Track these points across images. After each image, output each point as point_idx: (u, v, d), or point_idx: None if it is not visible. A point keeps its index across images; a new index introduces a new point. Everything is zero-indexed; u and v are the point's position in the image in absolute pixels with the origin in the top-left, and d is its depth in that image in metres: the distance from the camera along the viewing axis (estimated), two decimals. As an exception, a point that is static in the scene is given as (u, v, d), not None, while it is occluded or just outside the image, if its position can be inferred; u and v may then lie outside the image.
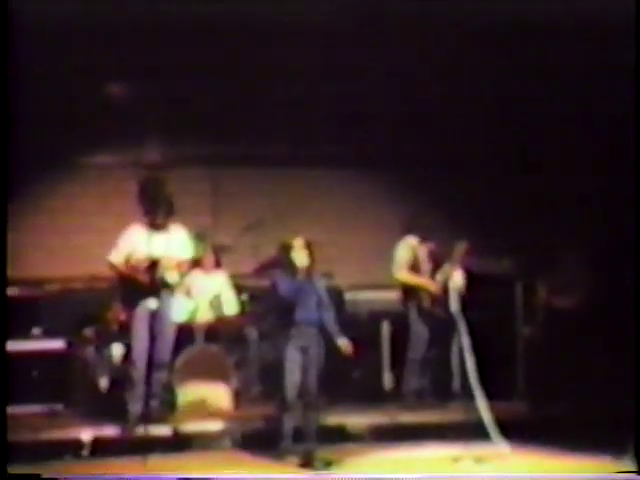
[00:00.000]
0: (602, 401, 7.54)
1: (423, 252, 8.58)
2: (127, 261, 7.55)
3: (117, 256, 7.63)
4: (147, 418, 7.12)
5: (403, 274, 8.51)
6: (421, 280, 8.47)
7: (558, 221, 9.10)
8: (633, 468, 6.47)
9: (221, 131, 9.75)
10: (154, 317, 7.35)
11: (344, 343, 7.21)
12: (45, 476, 6.03)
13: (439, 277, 8.37)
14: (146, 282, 7.42)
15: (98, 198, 10.03)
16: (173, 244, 7.58)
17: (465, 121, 9.69)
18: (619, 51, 7.35)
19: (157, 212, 7.57)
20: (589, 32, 7.71)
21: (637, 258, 7.42)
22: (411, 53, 8.91)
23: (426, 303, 8.42)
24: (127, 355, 7.84)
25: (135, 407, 7.35)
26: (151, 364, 7.39)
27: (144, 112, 9.74)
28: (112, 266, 7.65)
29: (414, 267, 8.52)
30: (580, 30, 7.74)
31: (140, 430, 7.03)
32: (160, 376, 7.53)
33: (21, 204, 9.03)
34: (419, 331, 8.44)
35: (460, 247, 8.03)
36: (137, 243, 7.58)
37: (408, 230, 8.61)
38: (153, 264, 7.46)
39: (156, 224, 7.59)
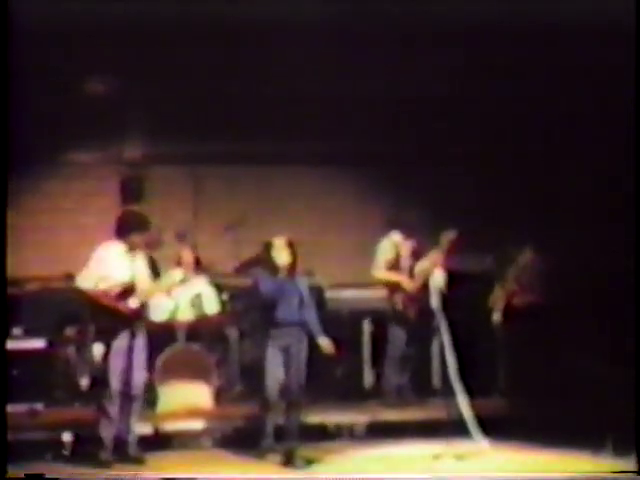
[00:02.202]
0: (581, 397, 7.58)
1: (406, 249, 8.59)
2: (97, 286, 6.92)
3: (87, 281, 6.97)
4: (123, 455, 6.91)
5: (381, 272, 8.52)
6: (398, 278, 8.48)
7: (542, 218, 9.13)
8: (612, 463, 6.55)
9: (202, 129, 9.73)
10: (130, 348, 6.90)
11: (326, 342, 7.22)
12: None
13: (418, 269, 8.36)
14: (123, 311, 6.90)
15: (79, 196, 10.01)
16: (143, 267, 7.08)
17: (449, 118, 9.70)
18: (619, 51, 7.37)
19: (131, 233, 7.01)
20: (589, 32, 7.75)
21: (627, 255, 7.45)
22: (394, 52, 8.92)
23: (400, 302, 8.43)
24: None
25: (110, 443, 6.91)
26: (127, 397, 6.92)
27: (126, 110, 9.73)
28: (82, 293, 7.03)
29: (395, 264, 8.53)
30: (580, 30, 7.78)
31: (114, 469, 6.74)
32: (136, 408, 7.03)
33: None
34: (395, 329, 8.46)
35: (448, 236, 7.99)
36: (109, 266, 6.97)
37: (392, 226, 8.63)
38: (126, 290, 6.92)
39: (128, 245, 7.02)
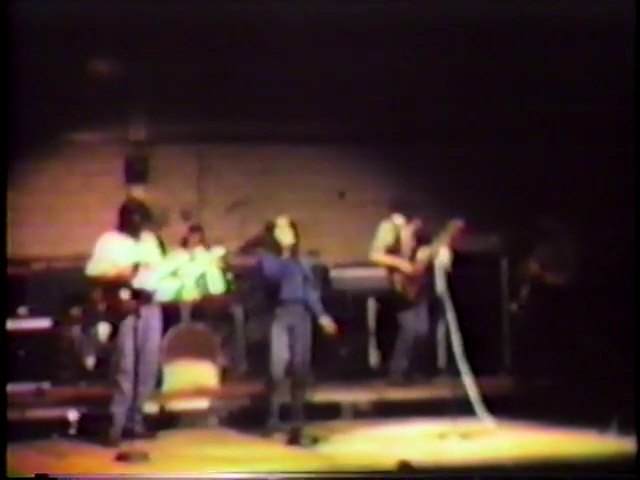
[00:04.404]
0: (587, 376, 7.58)
1: (407, 231, 8.52)
2: (107, 273, 6.96)
3: (96, 269, 7.01)
4: (131, 433, 6.87)
5: (378, 256, 8.45)
6: (395, 261, 8.42)
7: (548, 198, 9.11)
8: (616, 443, 6.55)
9: (207, 108, 9.70)
10: (143, 328, 6.87)
11: (328, 322, 7.22)
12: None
13: (422, 255, 8.31)
14: (130, 294, 6.90)
15: (83, 176, 10.00)
16: (146, 252, 7.10)
17: (453, 98, 9.67)
18: (619, 51, 7.35)
19: (135, 222, 7.08)
20: (589, 32, 7.71)
21: (633, 235, 7.42)
22: (398, 31, 8.88)
23: (400, 283, 8.39)
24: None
25: (120, 420, 6.94)
26: (137, 378, 6.87)
27: (130, 89, 9.70)
28: (94, 280, 7.05)
29: (396, 247, 8.47)
30: (580, 30, 7.75)
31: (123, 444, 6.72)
32: (146, 390, 7.07)
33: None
34: (405, 313, 8.40)
35: (454, 225, 7.93)
36: (115, 252, 7.02)
37: (394, 208, 8.58)
38: (134, 273, 6.93)
39: (132, 232, 7.09)
